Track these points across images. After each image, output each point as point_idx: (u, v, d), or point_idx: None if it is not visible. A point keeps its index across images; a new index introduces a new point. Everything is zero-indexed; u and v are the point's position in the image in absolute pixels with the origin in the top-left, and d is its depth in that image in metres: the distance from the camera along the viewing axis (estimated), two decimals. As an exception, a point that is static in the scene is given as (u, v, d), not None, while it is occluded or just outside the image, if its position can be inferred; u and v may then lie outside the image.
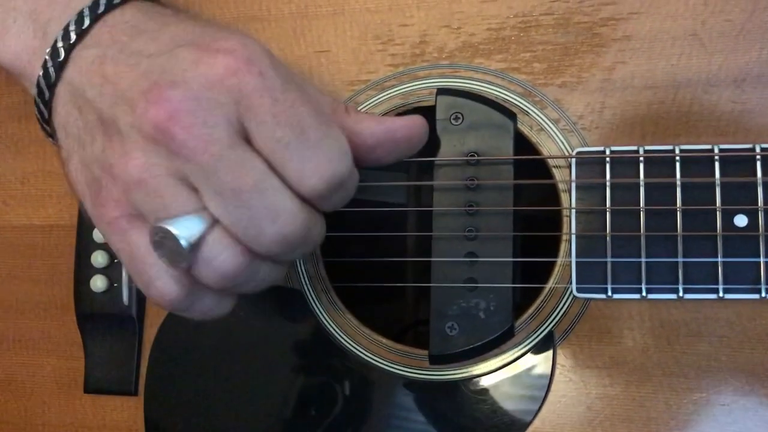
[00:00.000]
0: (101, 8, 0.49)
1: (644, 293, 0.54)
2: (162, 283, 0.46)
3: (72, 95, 0.49)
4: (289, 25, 0.63)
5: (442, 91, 0.59)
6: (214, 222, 0.44)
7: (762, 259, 0.52)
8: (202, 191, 0.44)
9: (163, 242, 0.43)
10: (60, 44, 0.49)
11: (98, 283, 0.63)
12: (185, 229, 0.43)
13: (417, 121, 0.52)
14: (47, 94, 0.50)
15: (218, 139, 0.42)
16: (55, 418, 0.65)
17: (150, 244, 0.45)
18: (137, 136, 0.44)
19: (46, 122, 0.52)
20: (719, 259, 0.53)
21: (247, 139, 0.44)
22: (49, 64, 0.49)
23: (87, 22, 0.49)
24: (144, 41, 0.47)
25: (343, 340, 0.60)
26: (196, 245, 0.44)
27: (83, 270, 0.64)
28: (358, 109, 0.61)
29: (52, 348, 0.66)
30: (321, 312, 0.61)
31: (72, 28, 0.49)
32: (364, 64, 0.61)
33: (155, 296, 0.47)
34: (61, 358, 0.66)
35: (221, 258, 0.44)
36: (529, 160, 0.58)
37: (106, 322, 0.64)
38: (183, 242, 0.43)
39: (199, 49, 0.44)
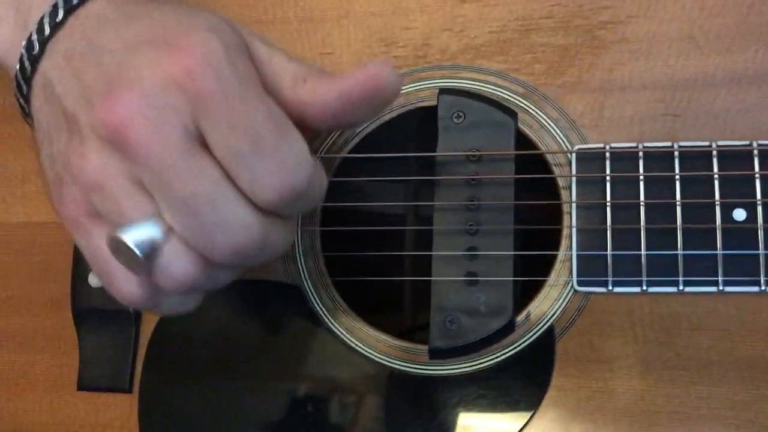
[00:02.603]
0: (74, 0, 0.48)
1: (645, 287, 0.54)
2: (124, 285, 0.45)
3: (44, 89, 0.48)
4: (294, 28, 0.64)
5: (444, 91, 0.60)
6: (170, 229, 0.43)
7: (761, 252, 0.53)
8: (156, 198, 0.42)
9: (120, 249, 0.43)
10: (35, 37, 0.48)
11: (96, 278, 0.63)
12: (140, 237, 0.42)
13: (376, 71, 0.45)
14: (24, 88, 0.49)
15: (172, 145, 0.41)
16: (48, 415, 0.64)
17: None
18: (94, 137, 0.43)
19: (28, 115, 0.51)
20: (719, 252, 0.53)
21: (205, 144, 0.42)
22: (25, 57, 0.48)
23: (61, 14, 0.48)
24: (110, 36, 0.46)
25: (343, 336, 0.60)
26: (152, 253, 0.43)
27: (81, 265, 0.64)
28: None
29: (46, 345, 0.65)
30: (320, 308, 0.60)
31: (47, 20, 0.48)
32: (368, 65, 0.62)
33: (118, 297, 0.46)
34: (54, 355, 0.65)
35: (176, 266, 0.43)
36: (529, 159, 0.59)
37: (103, 318, 0.63)
38: (137, 251, 0.42)
39: (159, 48, 0.43)
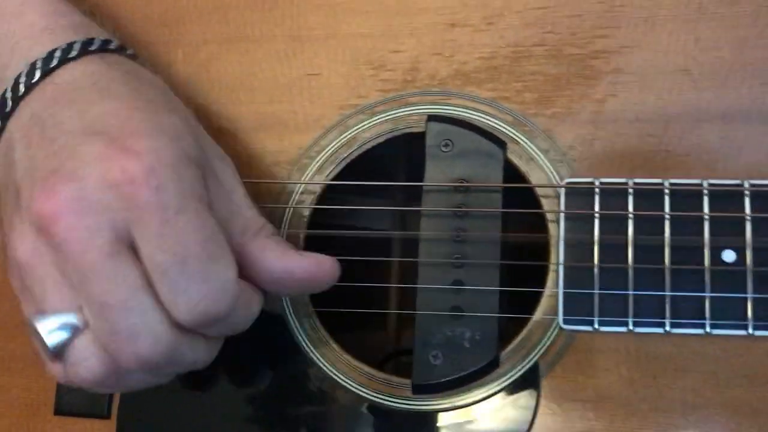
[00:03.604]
0: (54, 62, 0.48)
1: (631, 326, 0.53)
2: (49, 365, 0.46)
3: (7, 152, 0.47)
4: (281, 47, 0.62)
5: (432, 118, 0.59)
6: (87, 325, 0.43)
7: (749, 295, 0.52)
8: (77, 293, 0.43)
9: (35, 335, 0.43)
10: (8, 95, 0.48)
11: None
12: (53, 328, 0.43)
13: (323, 266, 0.50)
14: None
15: (97, 246, 0.41)
16: (23, 440, 0.63)
17: None
18: (29, 220, 0.43)
19: None
20: (707, 294, 0.52)
21: (133, 248, 0.42)
22: None
23: (38, 75, 0.47)
24: (73, 112, 0.45)
25: (324, 367, 0.59)
26: (62, 346, 0.43)
27: (59, 287, 0.63)
28: (344, 135, 0.60)
29: (23, 368, 0.64)
30: (303, 338, 0.59)
31: (22, 80, 0.48)
32: (355, 88, 0.61)
33: (44, 367, 0.47)
34: (30, 378, 0.64)
35: (84, 364, 0.44)
36: (517, 190, 0.58)
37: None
38: (48, 341, 0.43)
39: (109, 145, 0.42)
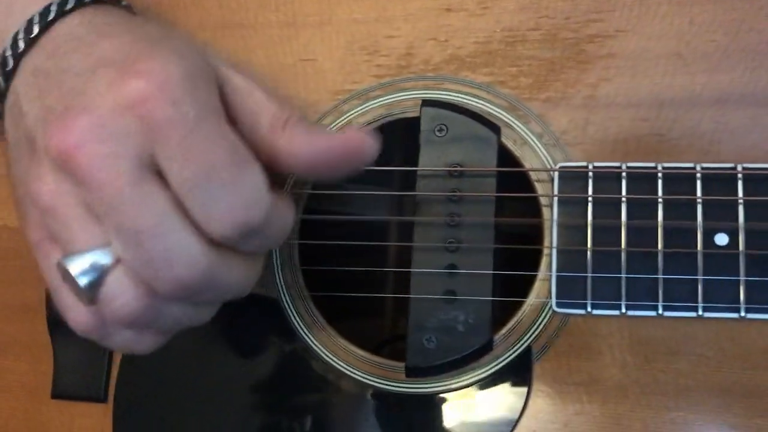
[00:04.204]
0: (51, 15, 0.47)
1: (623, 310, 0.53)
2: (74, 313, 0.45)
3: (13, 107, 0.47)
4: (276, 33, 0.63)
5: (426, 103, 0.59)
6: (118, 260, 0.42)
7: (741, 278, 0.52)
8: (105, 226, 0.41)
9: (66, 277, 0.42)
10: (9, 53, 0.47)
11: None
12: (84, 266, 0.41)
13: (355, 141, 0.47)
14: None
15: (122, 172, 0.40)
16: (22, 423, 0.63)
17: None
18: (48, 159, 0.42)
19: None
20: (699, 277, 0.52)
21: (158, 172, 0.41)
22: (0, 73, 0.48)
23: (36, 30, 0.47)
24: (77, 57, 0.45)
25: (319, 351, 0.59)
26: (96, 283, 0.42)
27: (56, 272, 0.63)
28: (339, 120, 0.60)
29: (21, 352, 0.64)
30: (297, 322, 0.60)
31: (21, 36, 0.47)
32: (350, 73, 0.61)
33: (69, 324, 0.46)
34: (29, 362, 0.64)
35: (120, 300, 0.42)
36: (511, 174, 0.58)
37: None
38: (80, 281, 0.41)
39: (117, 71, 0.42)
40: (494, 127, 0.58)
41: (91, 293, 0.42)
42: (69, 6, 0.48)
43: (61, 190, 0.42)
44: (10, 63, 0.47)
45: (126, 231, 0.41)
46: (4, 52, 0.48)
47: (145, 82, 0.41)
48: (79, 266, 0.41)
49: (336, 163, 0.47)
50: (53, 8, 0.47)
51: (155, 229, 0.40)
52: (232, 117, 0.45)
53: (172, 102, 0.40)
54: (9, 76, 0.47)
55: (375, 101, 0.61)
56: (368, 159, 0.47)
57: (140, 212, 0.40)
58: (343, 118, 0.61)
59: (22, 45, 0.47)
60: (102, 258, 0.42)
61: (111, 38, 0.45)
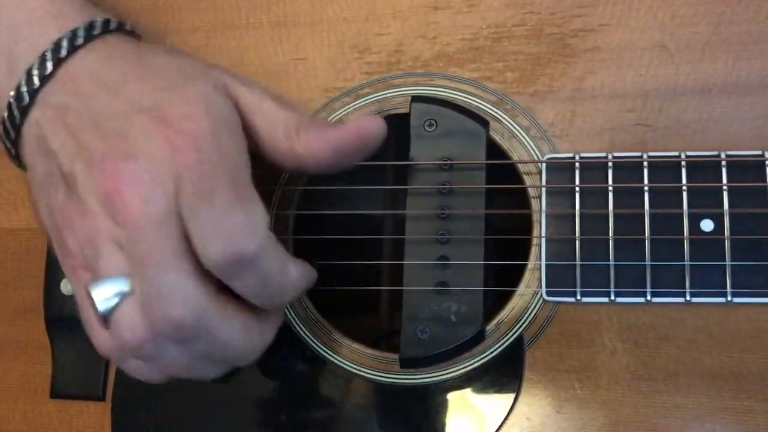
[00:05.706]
0: (63, 52, 0.50)
1: (612, 297, 0.54)
2: (96, 335, 0.49)
3: (37, 141, 0.50)
4: (267, 33, 0.64)
5: (416, 99, 0.60)
6: (133, 291, 0.46)
7: (727, 263, 0.53)
8: (127, 259, 0.46)
9: (90, 301, 0.46)
10: (24, 88, 0.50)
11: (69, 285, 0.63)
12: (104, 293, 0.46)
13: (365, 125, 0.51)
14: (12, 134, 0.51)
15: (150, 213, 0.45)
16: (21, 423, 0.64)
17: None
18: (92, 198, 0.46)
19: (15, 157, 0.53)
20: (686, 263, 0.53)
21: (178, 213, 0.45)
22: (14, 106, 0.50)
23: (50, 67, 0.49)
24: (105, 99, 0.48)
25: (314, 344, 0.60)
26: (113, 309, 0.46)
27: (54, 272, 0.64)
28: (331, 118, 0.61)
29: (19, 352, 0.65)
30: (292, 316, 0.61)
31: (35, 72, 0.49)
32: (341, 71, 0.62)
33: (92, 344, 0.49)
34: (27, 362, 0.65)
35: (125, 326, 0.46)
36: (501, 167, 0.59)
37: (76, 325, 0.62)
38: (99, 305, 0.46)
39: (153, 121, 0.46)
40: (483, 121, 0.59)
41: (105, 317, 0.46)
42: (79, 41, 0.50)
43: (100, 225, 0.46)
44: (26, 99, 0.50)
45: (137, 263, 0.45)
46: (18, 87, 0.50)
47: (179, 137, 0.45)
48: (99, 291, 0.46)
49: (353, 150, 0.51)
50: (64, 44, 0.50)
51: (160, 263, 0.44)
52: (250, 135, 0.50)
53: (197, 149, 0.45)
54: (25, 111, 0.50)
55: (366, 98, 0.62)
56: (380, 139, 0.52)
57: (151, 248, 0.44)
58: (334, 115, 0.62)
59: (36, 81, 0.49)
60: (121, 286, 0.46)
61: (135, 83, 0.48)
